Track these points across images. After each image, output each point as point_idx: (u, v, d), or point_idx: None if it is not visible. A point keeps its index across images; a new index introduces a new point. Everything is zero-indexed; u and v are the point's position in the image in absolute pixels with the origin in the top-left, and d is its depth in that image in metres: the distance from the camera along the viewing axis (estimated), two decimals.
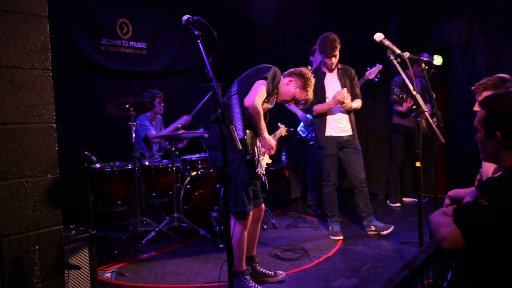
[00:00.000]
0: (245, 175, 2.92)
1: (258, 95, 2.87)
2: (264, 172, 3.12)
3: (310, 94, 3.20)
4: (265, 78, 2.92)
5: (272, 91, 3.02)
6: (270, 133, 3.53)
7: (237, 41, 6.13)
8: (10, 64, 2.09)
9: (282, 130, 4.01)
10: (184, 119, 4.79)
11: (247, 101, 2.87)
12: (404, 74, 2.85)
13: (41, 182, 2.22)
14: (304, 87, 3.14)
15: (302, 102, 3.28)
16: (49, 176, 2.25)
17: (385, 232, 4.20)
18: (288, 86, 3.15)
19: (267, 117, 3.23)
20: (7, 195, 2.09)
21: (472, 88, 2.76)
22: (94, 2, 4.92)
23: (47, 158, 2.23)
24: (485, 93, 2.65)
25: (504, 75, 2.69)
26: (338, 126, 4.23)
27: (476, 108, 2.67)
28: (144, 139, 4.79)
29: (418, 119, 2.95)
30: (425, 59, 3.23)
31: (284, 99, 3.21)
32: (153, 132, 4.77)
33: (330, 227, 4.31)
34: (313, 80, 3.19)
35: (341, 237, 4.17)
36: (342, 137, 4.23)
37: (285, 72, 3.22)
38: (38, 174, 2.21)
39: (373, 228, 4.28)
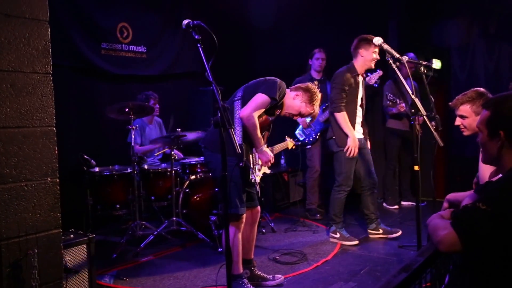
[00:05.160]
0: (237, 177, 2.93)
1: (254, 108, 2.93)
2: (258, 180, 3.15)
3: (316, 108, 3.25)
4: (268, 91, 2.96)
5: (276, 104, 3.07)
6: (274, 144, 3.51)
7: (236, 44, 6.14)
8: (11, 68, 2.10)
9: (288, 143, 3.90)
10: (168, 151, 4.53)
11: (242, 112, 2.93)
12: (403, 78, 2.87)
13: (41, 186, 2.22)
14: (310, 101, 3.19)
15: (309, 116, 3.32)
16: (49, 179, 2.25)
17: (393, 236, 4.22)
18: (294, 100, 3.20)
19: (270, 128, 3.27)
20: (7, 198, 2.09)
21: (450, 103, 2.76)
22: (95, 6, 4.94)
23: (46, 162, 2.23)
24: (462, 107, 2.63)
25: (480, 89, 2.63)
26: (358, 127, 4.15)
27: (458, 122, 2.69)
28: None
29: (412, 122, 2.95)
30: (424, 63, 3.25)
31: (290, 113, 3.25)
32: (137, 147, 4.66)
33: (338, 234, 4.15)
34: (319, 95, 3.23)
35: (357, 241, 4.09)
36: (360, 139, 4.15)
37: (292, 87, 3.28)
38: (37, 177, 2.20)
39: (381, 231, 4.28)
